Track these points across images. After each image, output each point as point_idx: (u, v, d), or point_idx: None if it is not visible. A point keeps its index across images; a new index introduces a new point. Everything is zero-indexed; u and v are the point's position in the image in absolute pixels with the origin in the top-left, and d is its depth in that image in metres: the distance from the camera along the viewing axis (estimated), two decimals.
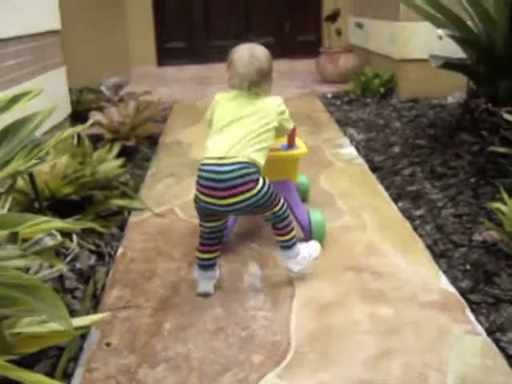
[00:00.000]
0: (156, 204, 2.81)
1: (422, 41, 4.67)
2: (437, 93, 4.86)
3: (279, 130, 2.11)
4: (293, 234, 2.08)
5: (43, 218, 1.08)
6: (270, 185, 1.98)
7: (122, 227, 2.62)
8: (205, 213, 2.02)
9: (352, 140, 3.81)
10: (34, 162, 1.25)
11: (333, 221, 2.54)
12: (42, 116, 1.35)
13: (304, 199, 2.51)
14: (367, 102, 4.93)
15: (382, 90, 5.03)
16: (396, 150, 3.54)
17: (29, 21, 3.32)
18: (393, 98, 5.00)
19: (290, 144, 2.39)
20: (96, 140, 3.48)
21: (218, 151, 1.95)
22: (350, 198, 2.82)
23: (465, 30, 3.42)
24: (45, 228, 1.11)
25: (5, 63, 2.98)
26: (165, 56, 7.07)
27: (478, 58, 3.48)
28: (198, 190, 1.98)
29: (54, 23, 3.76)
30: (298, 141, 2.44)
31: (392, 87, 5.09)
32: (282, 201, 2.04)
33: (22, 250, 1.56)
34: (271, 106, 2.06)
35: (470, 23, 3.48)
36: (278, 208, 2.01)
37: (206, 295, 2.04)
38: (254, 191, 1.91)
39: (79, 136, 3.44)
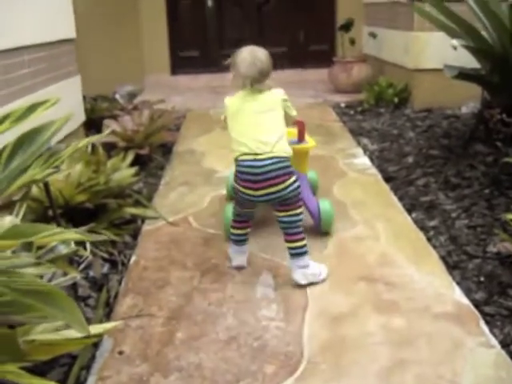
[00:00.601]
0: (169, 213, 2.82)
1: (436, 51, 4.66)
2: (451, 103, 4.84)
3: (285, 118, 2.25)
4: (304, 242, 2.14)
5: (57, 229, 1.08)
6: (297, 177, 2.17)
7: (135, 235, 2.62)
8: (244, 203, 2.21)
9: (365, 150, 3.80)
10: (50, 171, 1.26)
11: (346, 231, 2.54)
12: (57, 125, 1.36)
13: (327, 231, 2.55)
14: (381, 112, 4.92)
15: (395, 99, 5.03)
16: (410, 160, 3.53)
17: (44, 29, 3.34)
18: (407, 108, 4.99)
19: (300, 139, 2.61)
20: (110, 148, 3.50)
21: (251, 145, 2.11)
22: (363, 208, 2.81)
23: (479, 40, 3.40)
24: (59, 239, 1.12)
25: (20, 71, 3.00)
26: (179, 65, 7.11)
27: (493, 68, 3.47)
28: (238, 183, 2.16)
29: (69, 32, 3.79)
30: (307, 136, 2.65)
31: (406, 97, 5.08)
32: (302, 207, 2.19)
33: (36, 257, 1.57)
34: (276, 97, 2.23)
35: (484, 33, 3.47)
36: (299, 210, 2.16)
37: (239, 268, 2.27)
38: (285, 184, 2.10)
39: (93, 144, 3.46)
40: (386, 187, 3.10)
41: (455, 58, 3.55)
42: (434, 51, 4.74)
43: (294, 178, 2.12)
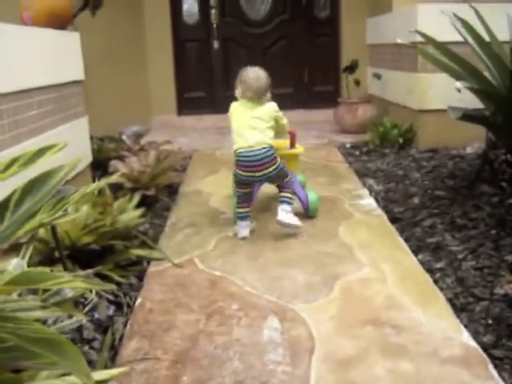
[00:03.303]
0: (175, 254, 2.82)
1: (440, 91, 4.70)
2: (456, 143, 4.87)
3: (278, 125, 3.08)
4: (291, 195, 3.07)
5: (65, 278, 1.08)
6: (282, 162, 3.04)
7: (141, 277, 2.62)
8: (242, 182, 3.04)
9: (371, 191, 3.81)
10: (58, 215, 1.26)
11: (352, 273, 2.53)
12: (66, 170, 1.37)
13: (313, 216, 3.29)
14: (386, 153, 4.94)
15: (400, 140, 5.05)
16: (415, 201, 3.54)
17: (53, 71, 3.39)
18: (412, 149, 5.01)
19: (292, 146, 3.41)
20: (116, 189, 3.52)
21: (248, 141, 2.95)
22: (369, 249, 2.80)
23: (483, 81, 3.43)
24: (66, 287, 1.12)
25: (28, 113, 3.03)
26: (185, 105, 7.18)
27: (497, 110, 3.49)
28: (238, 168, 3.00)
29: (78, 74, 3.83)
30: (297, 144, 3.44)
31: (411, 137, 5.11)
32: (289, 174, 3.09)
33: (42, 300, 1.57)
34: (269, 109, 3.05)
35: (487, 74, 3.50)
36: (288, 177, 3.07)
37: (244, 238, 3.02)
38: (274, 166, 2.97)
39: None
40: (392, 228, 3.10)
41: (459, 99, 3.58)
42: (437, 92, 4.78)
43: (279, 161, 3.00)
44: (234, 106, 3.10)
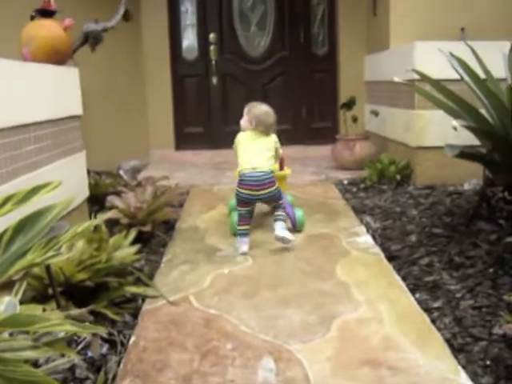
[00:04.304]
0: (171, 291, 2.79)
1: (438, 128, 4.73)
2: (453, 180, 4.88)
3: (276, 154, 3.57)
4: (284, 214, 3.46)
5: (54, 321, 1.07)
6: (279, 186, 3.47)
7: (135, 315, 2.58)
8: (243, 201, 3.40)
9: (368, 228, 3.79)
10: (50, 254, 1.25)
11: (349, 313, 2.50)
12: (59, 209, 1.36)
13: (300, 230, 3.74)
14: (383, 189, 4.95)
15: (398, 176, 5.06)
16: (413, 238, 3.52)
17: (51, 107, 3.40)
18: (409, 185, 5.01)
19: (281, 169, 3.90)
20: (113, 224, 3.51)
21: (252, 164, 3.37)
22: (366, 288, 2.78)
23: (479, 119, 3.44)
24: (56, 330, 1.10)
25: (26, 148, 3.03)
26: (183, 140, 7.20)
27: (494, 148, 3.50)
28: (241, 187, 3.38)
29: (76, 109, 3.85)
30: (286, 168, 4.00)
31: (408, 174, 5.12)
32: (283, 197, 3.53)
33: (33, 339, 1.55)
34: (272, 140, 3.54)
35: (483, 111, 3.51)
36: (281, 201, 3.47)
37: (245, 254, 3.33)
38: (273, 188, 3.39)
39: None
40: (389, 266, 3.08)
41: (456, 135, 3.59)
42: (435, 129, 4.81)
43: (277, 184, 3.43)
44: (241, 135, 3.55)
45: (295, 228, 3.70)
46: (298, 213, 3.74)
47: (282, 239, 3.35)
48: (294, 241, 3.40)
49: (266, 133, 3.52)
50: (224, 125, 7.09)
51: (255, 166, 3.36)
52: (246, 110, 3.60)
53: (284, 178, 3.97)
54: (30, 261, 1.22)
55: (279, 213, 3.43)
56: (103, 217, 1.68)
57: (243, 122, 3.58)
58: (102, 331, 1.24)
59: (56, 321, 1.07)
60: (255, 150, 3.43)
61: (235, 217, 3.56)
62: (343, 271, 3.02)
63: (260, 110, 3.52)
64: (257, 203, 3.52)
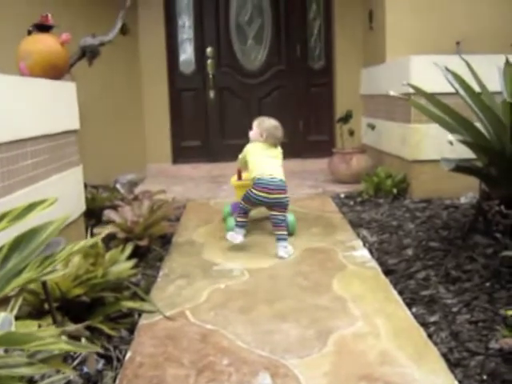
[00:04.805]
0: (167, 306, 2.79)
1: (434, 142, 4.75)
2: (450, 193, 4.88)
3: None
4: (286, 232, 3.64)
5: (51, 339, 1.07)
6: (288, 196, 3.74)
7: (132, 330, 2.57)
8: (253, 202, 3.68)
9: (365, 242, 3.80)
10: (46, 271, 1.25)
11: (346, 327, 2.50)
12: (55, 226, 1.36)
13: (292, 233, 3.93)
14: (380, 203, 4.95)
15: (394, 190, 5.06)
16: (409, 252, 3.52)
17: (48, 121, 3.40)
18: (406, 199, 5.02)
19: None
20: (109, 239, 3.51)
21: (270, 172, 3.67)
22: (362, 303, 2.77)
23: (475, 133, 3.45)
24: (51, 348, 1.10)
25: (23, 163, 3.03)
26: (180, 154, 7.22)
27: (490, 162, 3.50)
28: (257, 189, 3.63)
29: (73, 123, 3.85)
30: None
31: (405, 187, 5.13)
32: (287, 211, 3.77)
33: (28, 355, 1.54)
34: (279, 152, 3.87)
35: (479, 125, 3.52)
36: (285, 213, 3.69)
37: (240, 242, 3.68)
38: (286, 194, 3.69)
39: (92, 235, 3.47)
40: (385, 280, 3.08)
41: (452, 149, 3.61)
42: (431, 142, 4.83)
43: (287, 194, 3.69)
44: (251, 146, 3.87)
45: (288, 231, 3.81)
46: (290, 218, 3.97)
47: (282, 257, 3.51)
48: (293, 253, 3.57)
49: (275, 145, 3.85)
50: (221, 138, 7.11)
51: (272, 173, 3.66)
52: (255, 123, 3.91)
53: None
54: (25, 279, 1.22)
55: (281, 232, 3.61)
56: (101, 235, 1.69)
57: (253, 134, 3.89)
58: (97, 349, 1.24)
59: (51, 339, 1.07)
60: (268, 159, 3.75)
61: (230, 221, 3.89)
62: (340, 285, 3.02)
63: (270, 123, 3.86)
64: (261, 206, 3.81)
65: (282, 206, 3.66)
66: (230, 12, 7.14)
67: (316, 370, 2.15)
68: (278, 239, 3.59)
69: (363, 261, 3.41)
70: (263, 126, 3.85)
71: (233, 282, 3.13)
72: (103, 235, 1.78)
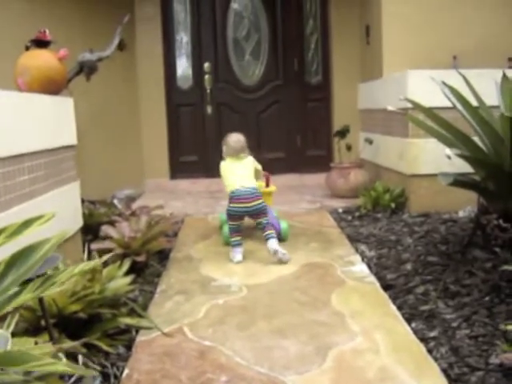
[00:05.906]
0: (165, 322, 2.77)
1: (431, 156, 4.74)
2: (448, 207, 4.88)
3: (256, 172, 4.09)
4: (273, 231, 3.81)
5: (48, 360, 1.05)
6: (263, 201, 3.91)
7: (129, 346, 2.56)
8: (234, 216, 3.86)
9: (363, 257, 3.78)
10: (43, 288, 1.24)
11: (345, 343, 2.48)
12: (52, 243, 1.35)
13: (284, 240, 4.17)
14: (378, 217, 4.94)
15: (392, 204, 5.06)
16: (408, 267, 3.51)
17: (46, 137, 3.39)
18: (404, 213, 5.01)
19: (267, 186, 4.49)
20: (106, 254, 3.48)
21: (240, 183, 3.85)
22: (361, 318, 2.76)
23: (473, 148, 3.45)
24: (48, 369, 1.08)
25: (19, 178, 3.02)
26: (178, 169, 7.21)
27: (488, 176, 3.50)
28: (233, 202, 3.83)
29: (70, 139, 3.84)
30: (271, 185, 4.53)
31: (403, 202, 5.12)
32: (269, 213, 3.96)
33: (25, 373, 1.53)
34: (249, 161, 4.06)
35: (477, 139, 3.52)
36: (267, 217, 3.88)
37: (239, 262, 3.75)
38: (260, 200, 3.85)
39: (90, 251, 3.45)
40: (384, 296, 3.06)
41: (450, 163, 3.60)
42: (429, 157, 4.82)
43: (262, 200, 3.87)
44: (223, 163, 4.09)
45: (281, 238, 4.07)
46: (283, 225, 4.23)
47: (277, 252, 3.69)
48: (290, 258, 3.73)
49: (241, 157, 4.05)
50: (219, 153, 7.07)
51: (242, 184, 3.86)
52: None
53: (270, 194, 4.49)
54: (25, 300, 1.20)
55: (269, 232, 3.81)
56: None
57: (223, 151, 4.15)
58: (93, 373, 1.22)
59: (48, 359, 1.05)
60: (238, 171, 3.95)
61: (227, 228, 4.04)
62: (338, 300, 3.01)
63: (230, 138, 4.11)
64: (245, 217, 3.93)
65: (261, 211, 3.84)
66: (228, 27, 7.17)
67: None
68: (267, 238, 3.77)
69: (362, 276, 3.39)
70: (225, 141, 4.13)
71: (231, 298, 3.11)
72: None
